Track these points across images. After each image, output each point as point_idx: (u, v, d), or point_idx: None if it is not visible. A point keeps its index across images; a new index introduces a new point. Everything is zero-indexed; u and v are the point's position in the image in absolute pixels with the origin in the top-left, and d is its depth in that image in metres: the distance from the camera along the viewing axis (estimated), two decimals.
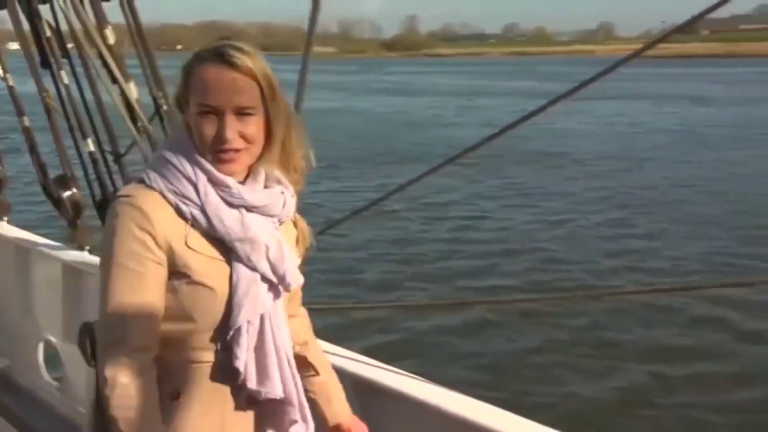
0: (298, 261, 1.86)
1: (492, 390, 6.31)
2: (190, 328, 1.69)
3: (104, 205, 3.60)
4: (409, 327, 8.25)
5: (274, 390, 1.73)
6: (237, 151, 1.67)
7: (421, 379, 2.58)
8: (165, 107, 3.13)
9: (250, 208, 1.73)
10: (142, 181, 1.69)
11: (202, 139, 1.65)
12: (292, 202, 1.83)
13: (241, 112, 1.64)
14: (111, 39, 3.08)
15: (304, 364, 2.01)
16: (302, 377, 1.94)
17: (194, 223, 1.66)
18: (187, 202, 1.66)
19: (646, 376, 7.24)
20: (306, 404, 1.85)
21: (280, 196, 1.78)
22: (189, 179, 1.67)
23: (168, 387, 1.71)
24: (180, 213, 1.66)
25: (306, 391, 1.93)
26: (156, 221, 1.62)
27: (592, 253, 11.23)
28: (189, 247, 1.65)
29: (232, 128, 1.63)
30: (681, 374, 7.22)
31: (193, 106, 1.66)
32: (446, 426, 2.35)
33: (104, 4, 3.11)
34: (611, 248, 11.44)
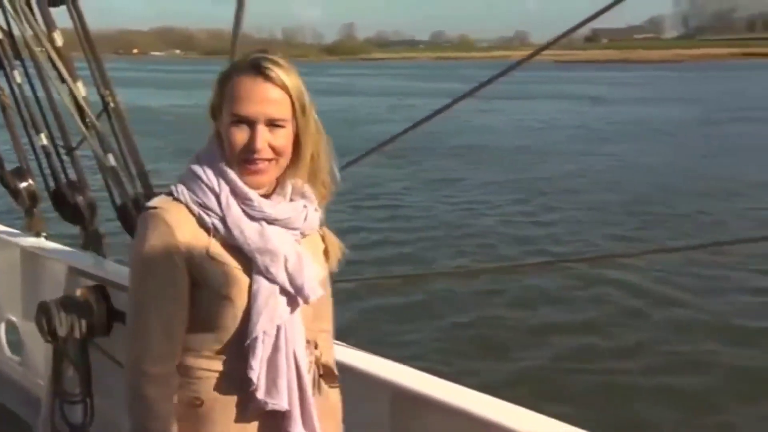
0: (323, 273, 1.75)
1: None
2: (211, 336, 1.62)
3: (58, 195, 3.55)
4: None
5: (281, 402, 1.63)
6: (265, 161, 1.58)
7: (458, 385, 2.37)
8: (112, 105, 3.03)
9: (271, 221, 1.63)
10: (170, 194, 1.62)
11: (232, 147, 1.57)
12: (314, 215, 1.72)
13: (272, 124, 1.56)
14: (59, 42, 3.01)
15: (329, 374, 1.89)
16: (328, 386, 1.88)
17: (216, 234, 1.59)
18: (210, 213, 1.58)
19: (580, 344, 7.14)
20: (316, 421, 1.72)
21: (303, 209, 1.68)
22: (212, 190, 1.59)
23: (191, 393, 1.64)
24: (203, 224, 1.58)
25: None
26: (180, 234, 1.56)
27: (503, 232, 11.32)
28: (211, 258, 1.58)
29: (263, 139, 1.55)
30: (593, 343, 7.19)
31: (227, 115, 1.58)
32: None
33: (53, 10, 3.04)
34: (520, 227, 11.62)
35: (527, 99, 38.45)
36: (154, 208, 1.59)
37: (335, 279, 1.92)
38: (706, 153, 19.60)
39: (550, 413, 2.17)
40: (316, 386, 1.79)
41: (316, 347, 1.81)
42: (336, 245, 1.81)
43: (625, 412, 5.86)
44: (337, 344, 2.55)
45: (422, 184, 14.70)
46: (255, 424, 1.66)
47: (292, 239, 1.67)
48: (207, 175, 1.59)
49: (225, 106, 1.58)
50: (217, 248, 1.58)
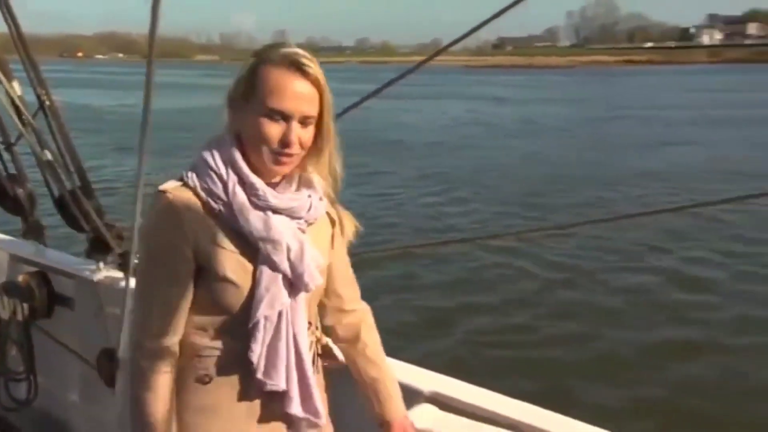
0: (325, 261, 1.66)
1: None
2: (217, 318, 1.56)
3: None
4: None
5: (279, 383, 1.57)
6: (292, 155, 1.51)
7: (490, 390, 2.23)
8: (48, 103, 2.97)
9: (276, 210, 1.54)
10: (180, 179, 1.53)
11: (264, 139, 1.47)
12: (319, 205, 1.63)
13: (304, 120, 1.49)
14: None
15: (352, 361, 1.84)
16: (354, 373, 1.84)
17: (222, 221, 1.51)
18: (217, 200, 1.49)
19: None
20: (317, 400, 1.64)
21: (307, 199, 1.60)
22: (220, 178, 1.50)
23: (200, 371, 1.58)
24: (210, 211, 1.50)
25: (360, 387, 1.82)
26: (187, 219, 1.48)
27: (415, 215, 11.49)
28: (217, 244, 1.51)
29: (296, 134, 1.47)
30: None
31: (258, 106, 1.47)
32: None
33: None
34: (434, 210, 11.76)
35: (441, 99, 38.97)
36: (164, 192, 1.50)
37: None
38: (593, 145, 20.16)
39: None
40: (316, 366, 1.73)
41: (317, 328, 1.76)
42: (350, 224, 1.75)
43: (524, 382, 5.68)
44: None
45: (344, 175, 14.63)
46: (258, 402, 1.60)
47: (296, 228, 1.59)
48: (216, 162, 1.51)
49: (255, 98, 1.47)
50: (222, 235, 1.51)
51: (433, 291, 7.74)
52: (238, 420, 1.59)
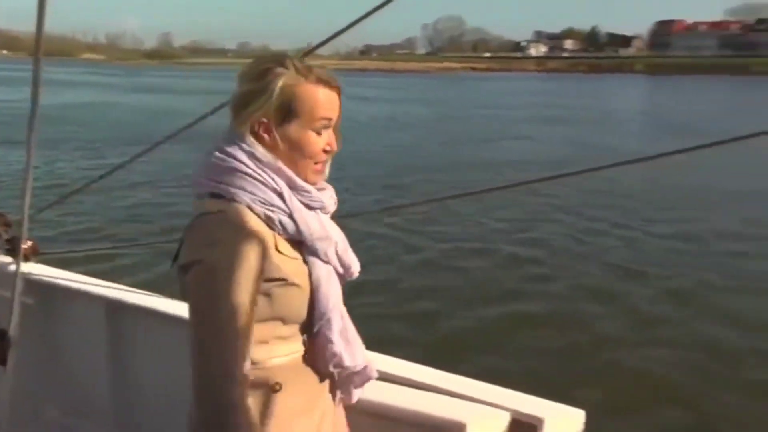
0: None
1: None
2: (282, 325, 1.40)
3: None
4: None
5: (361, 363, 1.50)
6: (329, 159, 1.46)
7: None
8: None
9: (323, 209, 1.47)
10: (219, 196, 1.35)
11: (312, 152, 1.40)
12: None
13: (334, 127, 1.45)
14: None
15: None
16: None
17: (282, 229, 1.37)
18: (275, 209, 1.36)
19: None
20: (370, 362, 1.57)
21: (333, 196, 1.52)
22: (274, 189, 1.36)
23: (270, 381, 1.40)
24: (269, 221, 1.35)
25: None
26: (252, 235, 1.30)
27: None
28: (280, 252, 1.36)
29: (334, 140, 1.44)
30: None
31: (307, 123, 1.38)
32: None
33: None
34: None
35: None
36: (218, 213, 1.32)
37: None
38: (445, 139, 20.67)
39: None
40: None
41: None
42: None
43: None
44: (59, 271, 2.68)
45: None
46: (326, 395, 1.50)
47: (333, 222, 1.53)
48: (263, 175, 1.35)
49: (299, 117, 1.37)
50: (282, 242, 1.37)
51: None
52: (313, 412, 1.46)
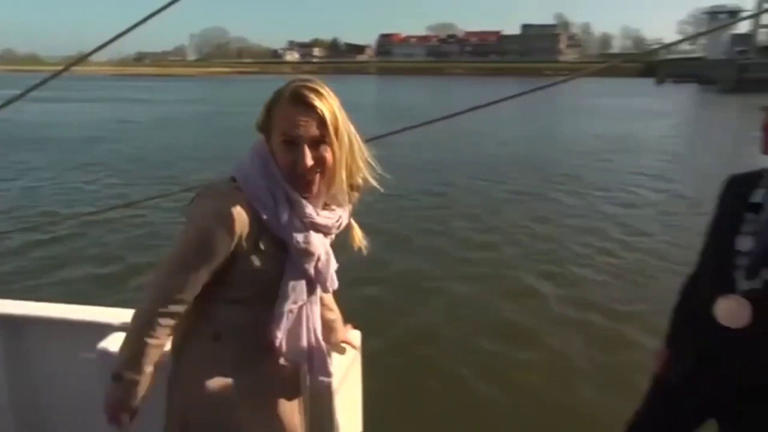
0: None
1: None
2: (243, 297, 1.34)
3: None
4: None
5: (303, 359, 1.43)
6: (313, 173, 1.29)
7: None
8: None
9: (315, 228, 1.34)
10: (232, 178, 1.31)
11: (283, 164, 1.28)
12: (345, 221, 1.43)
13: (315, 142, 1.27)
14: None
15: (327, 317, 1.60)
16: (327, 320, 1.59)
17: (267, 228, 1.28)
18: (267, 212, 1.27)
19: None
20: (329, 365, 1.48)
21: (338, 219, 1.39)
22: (273, 195, 1.27)
23: (210, 330, 1.35)
24: (257, 217, 1.27)
25: (324, 324, 1.53)
26: (236, 219, 1.24)
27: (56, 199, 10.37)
28: (258, 247, 1.28)
29: (308, 156, 1.26)
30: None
31: (276, 135, 1.28)
32: None
33: None
34: (72, 192, 10.59)
35: (93, 102, 35.06)
36: (218, 190, 1.29)
37: None
38: (216, 132, 20.04)
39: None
40: (333, 337, 1.63)
41: (328, 311, 1.62)
42: (357, 239, 1.48)
43: None
44: None
45: None
46: (270, 367, 1.41)
47: (326, 240, 1.40)
48: (267, 180, 1.28)
49: (274, 128, 1.28)
50: (265, 239, 1.29)
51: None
52: (240, 373, 1.37)
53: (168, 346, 1.39)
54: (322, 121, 1.26)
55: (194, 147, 16.31)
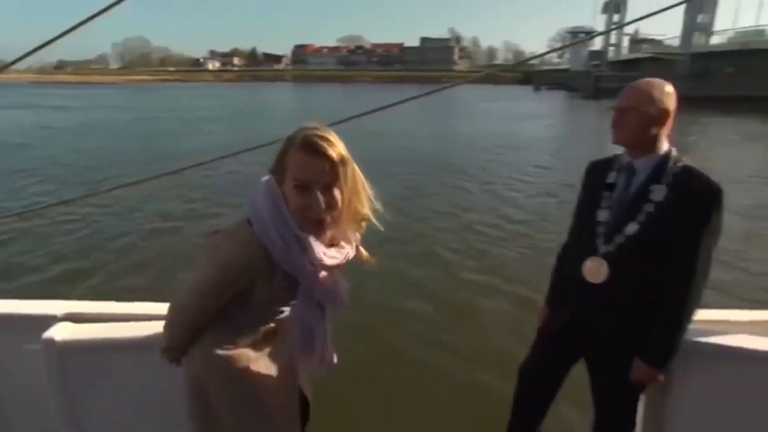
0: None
1: None
2: (257, 320, 1.38)
3: None
4: None
5: (313, 367, 1.42)
6: (324, 216, 1.26)
7: None
8: None
9: (328, 263, 1.31)
10: (248, 221, 1.27)
11: (295, 207, 1.24)
12: (353, 253, 1.40)
13: (326, 187, 1.24)
14: None
15: None
16: None
17: (279, 267, 1.26)
18: (278, 252, 1.24)
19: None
20: (332, 356, 1.47)
21: (346, 255, 1.37)
22: (284, 239, 1.23)
23: (228, 325, 1.37)
24: (269, 257, 1.24)
25: None
26: (251, 262, 1.23)
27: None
28: (272, 281, 1.27)
29: (318, 200, 1.23)
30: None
31: (289, 180, 1.24)
32: None
33: None
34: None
35: (11, 109, 31.82)
36: (233, 233, 1.26)
37: None
38: (136, 137, 19.03)
39: None
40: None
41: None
42: (366, 261, 1.46)
43: None
44: None
45: None
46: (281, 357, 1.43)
47: (335, 272, 1.37)
48: (277, 224, 1.23)
49: (288, 174, 1.25)
50: (277, 276, 1.28)
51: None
52: (253, 346, 1.40)
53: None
54: (332, 167, 1.23)
55: (114, 151, 15.27)
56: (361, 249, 1.46)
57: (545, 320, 2.04)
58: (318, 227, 1.27)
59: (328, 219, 1.28)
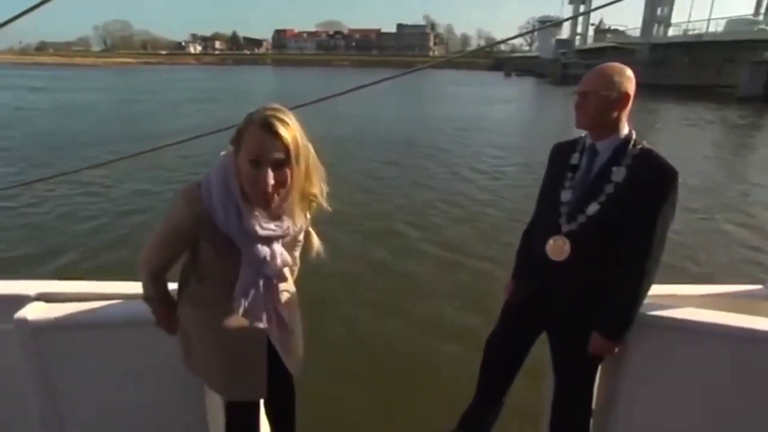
0: (293, 263, 1.50)
1: None
2: (209, 275, 1.40)
3: None
4: None
5: (261, 326, 1.42)
6: (273, 192, 1.28)
7: None
8: None
9: (259, 241, 1.34)
10: (200, 185, 1.31)
11: (247, 182, 1.27)
12: (295, 228, 1.40)
13: (277, 165, 1.26)
14: None
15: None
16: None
17: (221, 230, 1.29)
18: (218, 218, 1.28)
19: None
20: (288, 321, 1.50)
21: (286, 229, 1.37)
22: (225, 207, 1.28)
23: (195, 295, 1.43)
24: (214, 218, 1.28)
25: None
26: (193, 220, 1.28)
27: None
28: (214, 243, 1.32)
29: (269, 176, 1.25)
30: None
31: (244, 154, 1.26)
32: None
33: None
34: None
35: None
36: (189, 191, 1.30)
37: None
38: (120, 117, 18.29)
39: None
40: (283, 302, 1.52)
41: (285, 280, 1.52)
42: (314, 247, 1.50)
43: None
44: None
45: None
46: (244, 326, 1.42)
47: (276, 243, 1.39)
48: (222, 193, 1.28)
49: (243, 148, 1.27)
50: (220, 239, 1.31)
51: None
52: (225, 315, 1.41)
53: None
54: (285, 148, 1.25)
55: (98, 132, 14.72)
56: (313, 234, 1.50)
57: (511, 294, 2.03)
58: (265, 201, 1.30)
59: (276, 196, 1.30)
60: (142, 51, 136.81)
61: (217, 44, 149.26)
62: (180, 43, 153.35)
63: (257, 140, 1.24)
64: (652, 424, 1.82)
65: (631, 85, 1.71)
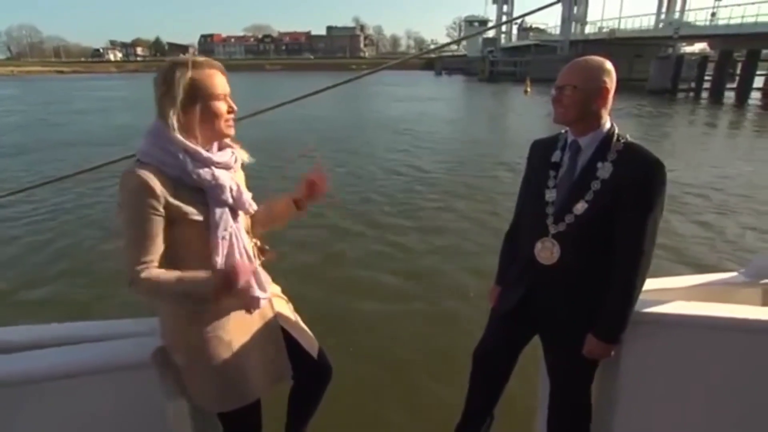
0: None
1: None
2: (187, 254, 1.37)
3: None
4: None
5: (247, 273, 1.38)
6: (234, 119, 1.43)
7: None
8: None
9: (216, 165, 1.40)
10: (138, 161, 1.33)
11: (220, 114, 1.38)
12: (239, 155, 1.49)
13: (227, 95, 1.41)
14: None
15: (263, 219, 1.65)
16: (268, 217, 1.66)
17: (179, 181, 1.34)
18: (173, 168, 1.32)
19: None
20: (264, 282, 1.55)
21: (233, 154, 1.47)
22: (173, 154, 1.32)
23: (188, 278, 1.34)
24: (168, 176, 1.32)
25: (273, 215, 1.67)
26: (155, 187, 1.29)
27: None
28: (179, 197, 1.33)
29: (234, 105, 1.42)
30: None
31: (212, 96, 1.36)
32: None
33: None
34: None
35: None
36: (131, 172, 1.30)
37: None
38: (54, 123, 16.95)
39: None
40: (258, 258, 1.58)
41: (254, 236, 1.59)
42: (243, 154, 1.54)
43: None
44: None
45: None
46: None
47: (230, 175, 1.45)
48: (165, 145, 1.33)
49: (201, 94, 1.35)
50: (181, 190, 1.34)
51: None
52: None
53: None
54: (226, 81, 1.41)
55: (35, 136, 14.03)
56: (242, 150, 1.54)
57: (497, 300, 1.93)
58: (232, 129, 1.42)
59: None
60: (54, 59, 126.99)
61: (139, 50, 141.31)
62: (98, 50, 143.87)
63: (220, 80, 1.38)
64: (652, 421, 1.79)
65: (609, 78, 1.65)
